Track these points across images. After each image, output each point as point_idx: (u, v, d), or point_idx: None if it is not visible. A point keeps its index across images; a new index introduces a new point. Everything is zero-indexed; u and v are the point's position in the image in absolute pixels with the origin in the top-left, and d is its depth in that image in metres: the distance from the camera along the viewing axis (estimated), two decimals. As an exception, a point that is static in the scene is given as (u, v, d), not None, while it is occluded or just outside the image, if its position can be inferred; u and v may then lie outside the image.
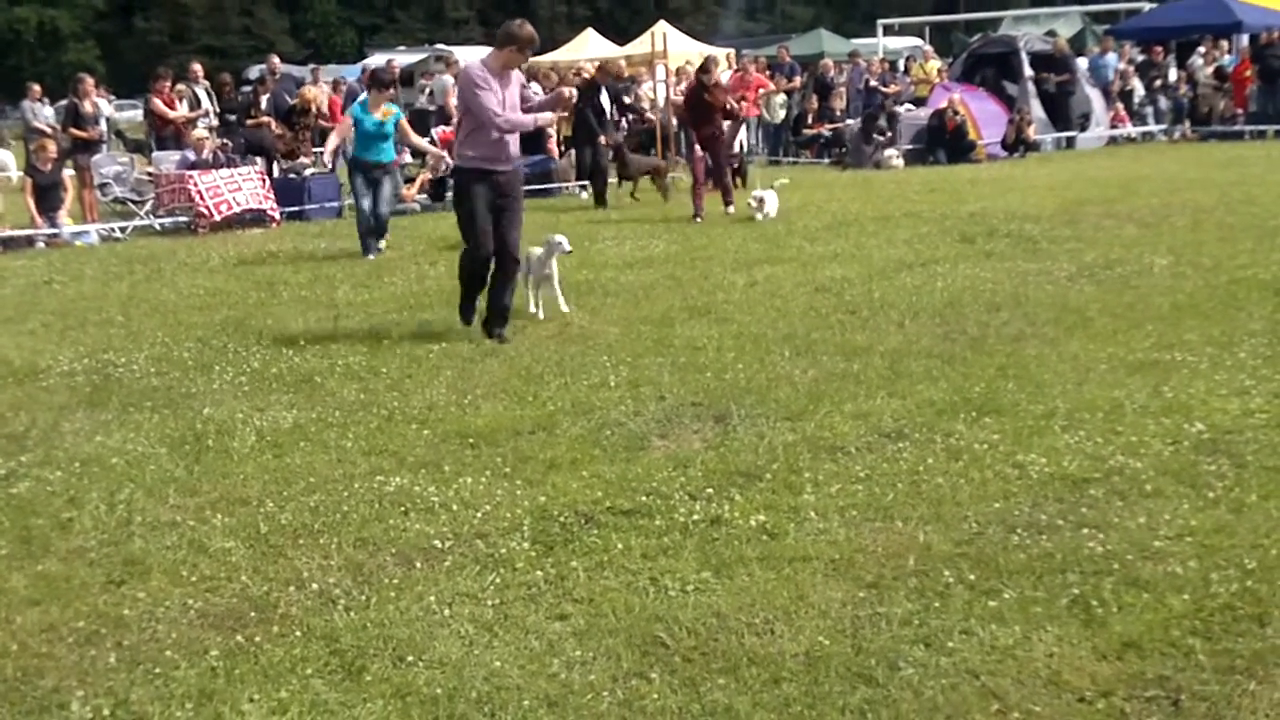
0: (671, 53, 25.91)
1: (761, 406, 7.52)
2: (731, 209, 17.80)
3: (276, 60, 26.43)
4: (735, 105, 19.03)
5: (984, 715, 3.93)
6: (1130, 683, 4.10)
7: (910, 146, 25.69)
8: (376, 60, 40.85)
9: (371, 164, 15.23)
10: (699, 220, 17.16)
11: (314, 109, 22.97)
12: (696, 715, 4.01)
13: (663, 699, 4.12)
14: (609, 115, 21.29)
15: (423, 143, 17.60)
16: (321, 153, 20.26)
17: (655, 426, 7.26)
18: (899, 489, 6.03)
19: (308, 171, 20.59)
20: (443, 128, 22.79)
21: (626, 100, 24.07)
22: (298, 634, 4.76)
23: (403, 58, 33.11)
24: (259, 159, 20.77)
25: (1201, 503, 5.67)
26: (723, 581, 5.06)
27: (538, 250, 10.83)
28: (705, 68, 17.97)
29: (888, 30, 39.97)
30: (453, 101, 25.92)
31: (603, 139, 20.28)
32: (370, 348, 9.78)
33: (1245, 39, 29.39)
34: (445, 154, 16.27)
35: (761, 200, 16.87)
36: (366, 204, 15.24)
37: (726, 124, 18.57)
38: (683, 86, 27.01)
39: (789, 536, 5.49)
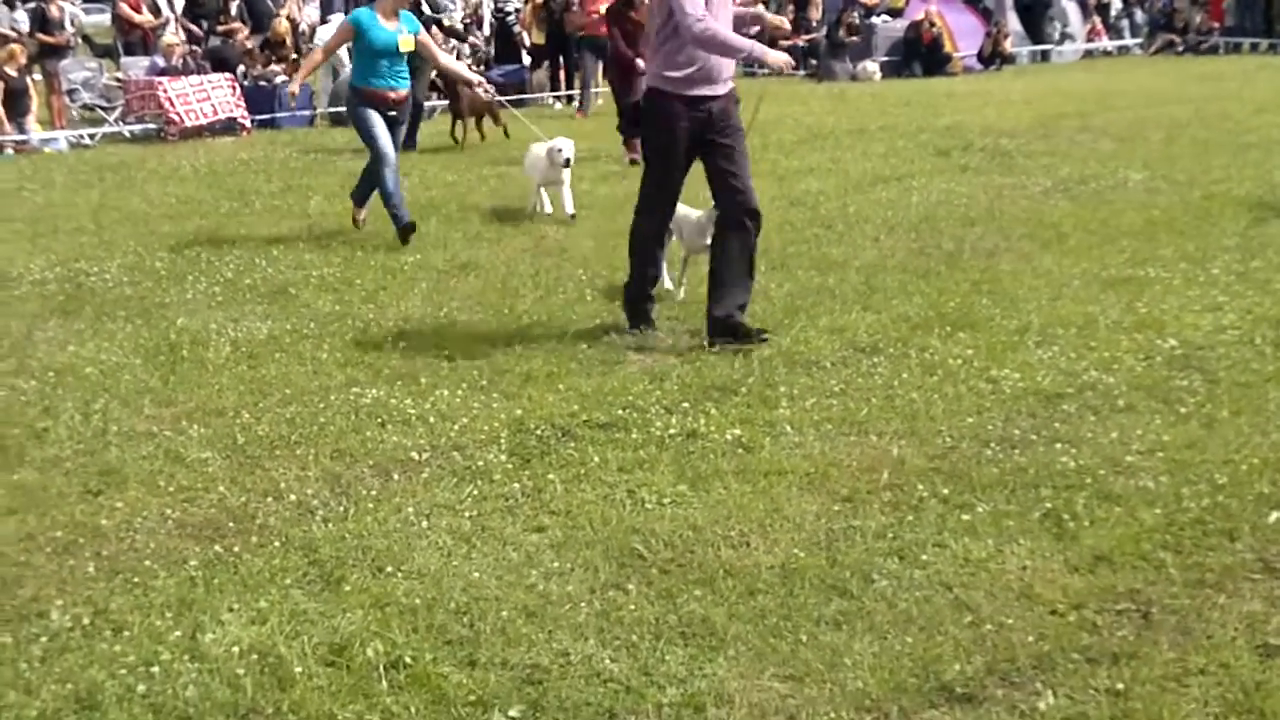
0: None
1: (737, 320, 7.51)
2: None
3: None
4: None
5: (957, 627, 3.98)
6: (1101, 595, 4.16)
7: (886, 58, 25.56)
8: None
9: (386, 95, 10.20)
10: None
11: (288, 41, 21.33)
12: (673, 626, 4.05)
13: (639, 610, 4.16)
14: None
15: (456, 65, 12.76)
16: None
17: (631, 340, 7.27)
18: (873, 403, 6.06)
19: (279, 79, 20.33)
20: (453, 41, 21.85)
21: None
22: (276, 544, 4.78)
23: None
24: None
25: (1173, 418, 5.73)
26: (699, 494, 5.10)
27: (695, 214, 7.82)
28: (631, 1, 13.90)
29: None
30: (459, 16, 25.65)
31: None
32: (345, 259, 9.74)
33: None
34: (484, 82, 12.16)
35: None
36: (389, 150, 10.22)
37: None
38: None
39: (764, 450, 5.53)
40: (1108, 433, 5.57)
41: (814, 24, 27.89)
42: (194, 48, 20.87)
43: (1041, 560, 4.42)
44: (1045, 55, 27.48)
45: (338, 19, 31.57)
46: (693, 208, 7.86)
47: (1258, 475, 5.04)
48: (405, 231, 10.15)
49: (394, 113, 10.26)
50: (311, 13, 28.51)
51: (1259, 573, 4.29)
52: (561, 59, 22.49)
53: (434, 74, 16.58)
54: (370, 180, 10.44)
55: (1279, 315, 7.21)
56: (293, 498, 5.22)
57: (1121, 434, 5.55)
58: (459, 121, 16.97)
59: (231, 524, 4.99)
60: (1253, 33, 27.48)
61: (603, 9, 16.18)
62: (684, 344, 7.18)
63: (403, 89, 10.27)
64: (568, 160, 10.60)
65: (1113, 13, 29.30)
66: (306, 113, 19.95)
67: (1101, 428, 5.64)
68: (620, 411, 6.08)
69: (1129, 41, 29.02)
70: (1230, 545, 4.49)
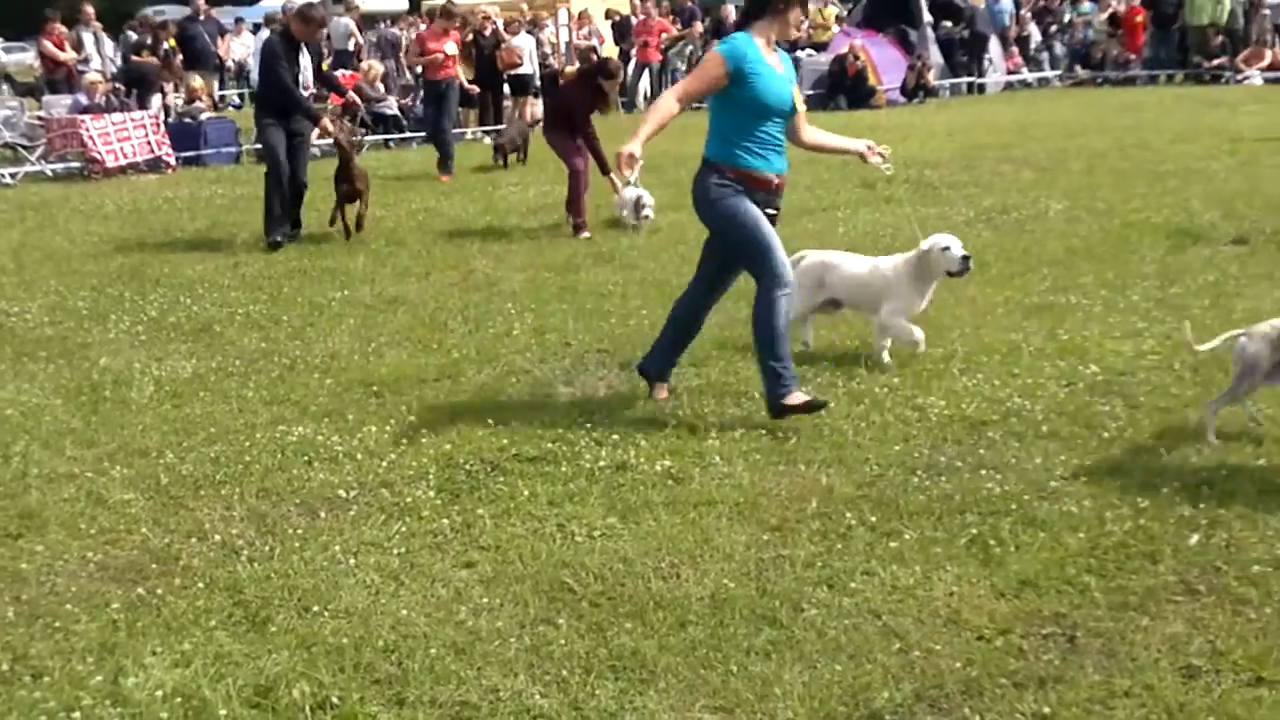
0: (573, -2, 25.73)
1: (665, 352, 7.53)
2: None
3: (202, 1, 24.84)
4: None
5: (886, 654, 4.00)
6: (1028, 620, 4.20)
7: (812, 92, 25.73)
8: (271, 2, 39.98)
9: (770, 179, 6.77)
10: (586, 235, 12.02)
11: (203, 98, 21.09)
12: (603, 660, 4.04)
13: (570, 644, 4.14)
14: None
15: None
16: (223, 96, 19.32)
17: (560, 374, 7.27)
18: (802, 433, 6.09)
19: (204, 115, 20.19)
20: (342, 71, 22.47)
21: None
22: (200, 585, 4.72)
23: (299, -1, 32.40)
24: (153, 99, 20.21)
25: (1096, 443, 5.80)
26: (629, 526, 5.09)
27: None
28: (610, 72, 12.78)
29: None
30: (352, 47, 25.65)
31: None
32: (271, 296, 9.67)
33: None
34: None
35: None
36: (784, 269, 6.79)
37: None
38: (584, 32, 26.86)
39: (694, 481, 5.54)
40: (1032, 458, 5.63)
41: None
42: (116, 85, 20.70)
43: (968, 586, 4.45)
44: (969, 87, 27.82)
45: (249, 39, 31.19)
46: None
47: (1178, 498, 5.11)
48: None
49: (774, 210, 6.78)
50: (239, 48, 28.37)
51: (1181, 595, 4.34)
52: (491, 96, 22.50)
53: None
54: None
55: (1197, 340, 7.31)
56: (217, 538, 5.16)
57: (1045, 459, 5.61)
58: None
59: (155, 566, 4.92)
60: (1168, 64, 27.97)
61: (447, 49, 17.26)
62: (613, 377, 7.18)
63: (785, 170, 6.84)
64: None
65: (1032, 45, 29.74)
66: (232, 149, 19.79)
67: (1026, 454, 5.70)
68: (550, 445, 6.07)
69: (1049, 73, 29.46)
70: (1153, 568, 4.55)
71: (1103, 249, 9.98)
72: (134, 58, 21.48)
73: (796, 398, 6.18)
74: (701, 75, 6.56)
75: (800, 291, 7.12)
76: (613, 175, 11.78)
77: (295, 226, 12.36)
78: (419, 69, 20.25)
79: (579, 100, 12.15)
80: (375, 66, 22.67)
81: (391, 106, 21.97)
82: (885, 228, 11.35)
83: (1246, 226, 10.52)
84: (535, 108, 23.03)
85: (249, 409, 6.88)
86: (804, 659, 4.00)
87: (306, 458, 6.05)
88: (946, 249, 7.09)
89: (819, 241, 10.67)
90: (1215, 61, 26.88)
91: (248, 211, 14.26)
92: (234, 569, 4.85)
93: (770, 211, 6.62)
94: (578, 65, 16.89)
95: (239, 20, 35.75)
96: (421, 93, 20.14)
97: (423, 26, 22.62)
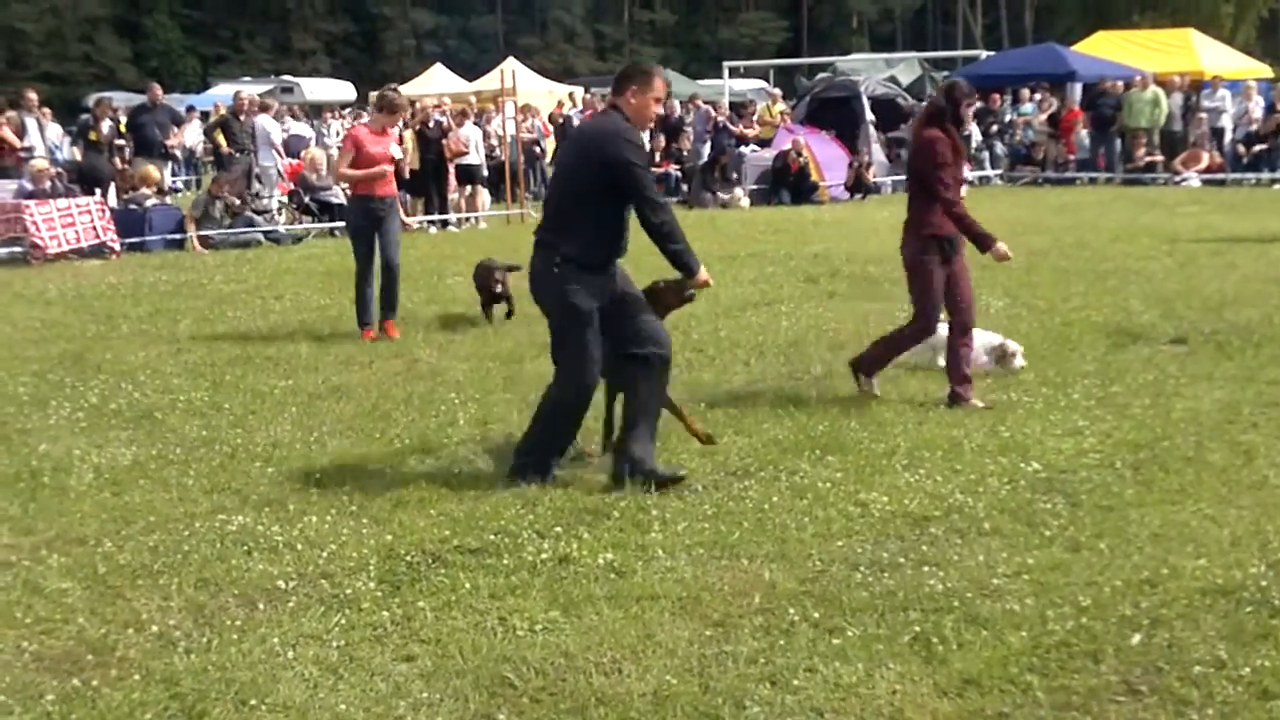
0: (520, 90, 25.97)
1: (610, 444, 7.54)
2: None
3: (158, 90, 24.22)
4: None
5: (828, 752, 3.99)
6: (970, 719, 4.19)
7: (755, 187, 26.04)
8: (222, 90, 40.24)
9: None
10: None
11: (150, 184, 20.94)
12: (545, 756, 4.00)
13: (511, 740, 4.10)
14: None
15: None
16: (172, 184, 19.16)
17: (504, 464, 7.24)
18: (745, 527, 6.09)
19: (149, 202, 20.13)
20: (290, 160, 22.86)
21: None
22: (137, 677, 4.64)
23: (248, 88, 32.65)
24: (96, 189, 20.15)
25: (1038, 541, 5.83)
26: (571, 620, 5.06)
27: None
28: None
29: (733, 72, 40.44)
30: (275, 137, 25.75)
31: None
32: (213, 383, 9.61)
33: (1079, 88, 30.33)
34: None
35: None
36: None
37: None
38: (528, 124, 27.12)
39: (637, 575, 5.52)
40: (974, 555, 5.65)
41: (684, 153, 28.39)
42: (60, 170, 20.60)
43: (911, 684, 4.45)
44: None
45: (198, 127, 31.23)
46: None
47: (1120, 597, 5.14)
48: None
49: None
50: (190, 135, 28.36)
51: (1123, 695, 4.35)
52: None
53: None
54: None
55: (1138, 440, 7.40)
56: (155, 629, 5.08)
57: (988, 557, 5.63)
58: None
59: (91, 656, 4.84)
60: (1108, 166, 28.47)
61: (394, 151, 11.99)
62: (557, 468, 7.16)
63: None
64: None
65: (974, 144, 30.22)
66: (177, 236, 19.73)
67: (968, 550, 5.72)
68: (492, 536, 6.03)
69: (989, 172, 29.93)
70: (1095, 667, 4.56)
71: (1043, 346, 10.09)
72: (85, 151, 21.41)
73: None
74: None
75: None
76: None
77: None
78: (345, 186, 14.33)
79: None
80: (317, 154, 22.74)
81: (338, 195, 21.99)
82: (829, 321, 11.44)
83: (1185, 327, 10.68)
84: (482, 197, 23.18)
85: (189, 497, 6.82)
86: (747, 757, 3.98)
87: (246, 547, 5.99)
88: None
89: (762, 335, 10.77)
90: (1144, 161, 27.39)
91: (191, 298, 14.24)
92: (171, 661, 4.78)
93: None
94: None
95: (190, 108, 35.94)
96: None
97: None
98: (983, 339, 9.16)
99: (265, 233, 20.30)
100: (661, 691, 4.42)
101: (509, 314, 11.89)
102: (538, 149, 28.35)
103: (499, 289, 11.78)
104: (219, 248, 19.20)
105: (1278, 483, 6.56)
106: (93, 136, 21.43)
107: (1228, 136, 27.80)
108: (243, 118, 22.41)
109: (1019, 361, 9.21)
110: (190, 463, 7.46)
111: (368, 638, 4.96)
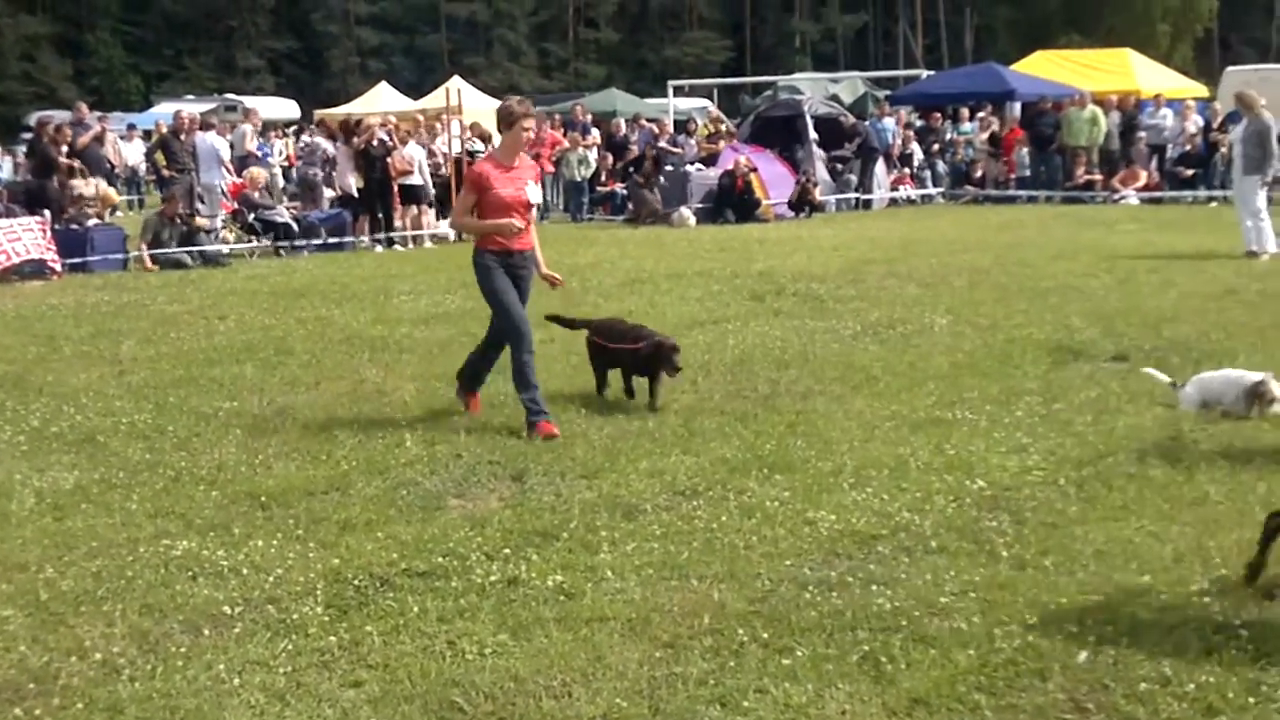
0: (465, 108, 25.92)
1: (558, 465, 7.54)
2: None
3: (85, 109, 24.57)
4: None
5: (779, 773, 3.99)
6: (919, 738, 4.21)
7: (701, 205, 26.10)
8: (165, 109, 39.93)
9: None
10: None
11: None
12: (495, 781, 3.98)
13: (460, 765, 4.08)
14: None
15: None
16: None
17: (452, 486, 7.22)
18: (694, 547, 6.10)
19: (91, 222, 19.92)
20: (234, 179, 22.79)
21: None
22: (80, 706, 4.59)
23: (191, 106, 32.46)
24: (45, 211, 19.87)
25: (984, 559, 5.87)
26: (520, 643, 5.05)
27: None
28: None
29: (678, 91, 40.59)
30: (250, 146, 25.70)
31: None
32: (157, 406, 9.51)
33: (1018, 106, 30.66)
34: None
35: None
36: None
37: None
38: (467, 137, 27.05)
39: (586, 597, 5.51)
40: (921, 574, 5.68)
41: (630, 170, 28.48)
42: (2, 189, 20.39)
43: (860, 704, 4.46)
44: (857, 203, 28.38)
45: (140, 146, 30.96)
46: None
47: (1066, 615, 5.18)
48: None
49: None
50: (133, 153, 28.15)
51: (1070, 712, 4.39)
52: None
53: None
54: None
55: (1081, 456, 7.47)
56: (98, 656, 5.03)
57: (935, 575, 5.66)
58: None
59: (32, 685, 4.78)
60: (1048, 184, 28.74)
61: None
62: (505, 489, 7.16)
63: None
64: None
65: (915, 163, 30.45)
66: (119, 256, 19.54)
67: (915, 569, 5.75)
68: (440, 559, 6.01)
69: (931, 191, 30.17)
70: (1042, 685, 4.59)
71: (987, 364, 10.17)
72: (34, 171, 21.20)
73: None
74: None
75: None
76: None
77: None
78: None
79: None
80: (258, 172, 22.61)
81: (283, 214, 21.90)
82: (775, 340, 11.47)
83: (1126, 344, 10.79)
84: (428, 216, 23.10)
85: (132, 522, 6.74)
86: (697, 779, 3.98)
87: (191, 573, 5.93)
88: None
89: (709, 354, 10.78)
90: (1083, 179, 27.69)
91: (134, 319, 14.11)
92: (115, 689, 4.73)
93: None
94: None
95: (131, 126, 35.69)
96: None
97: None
98: (1231, 377, 8.48)
99: (205, 252, 20.05)
100: (611, 714, 4.42)
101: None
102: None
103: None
104: (164, 267, 19.01)
105: (1219, 499, 6.63)
106: (65, 163, 21.07)
107: (1168, 154, 28.18)
108: (183, 137, 22.21)
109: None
110: (134, 487, 7.38)
111: (315, 663, 4.93)
